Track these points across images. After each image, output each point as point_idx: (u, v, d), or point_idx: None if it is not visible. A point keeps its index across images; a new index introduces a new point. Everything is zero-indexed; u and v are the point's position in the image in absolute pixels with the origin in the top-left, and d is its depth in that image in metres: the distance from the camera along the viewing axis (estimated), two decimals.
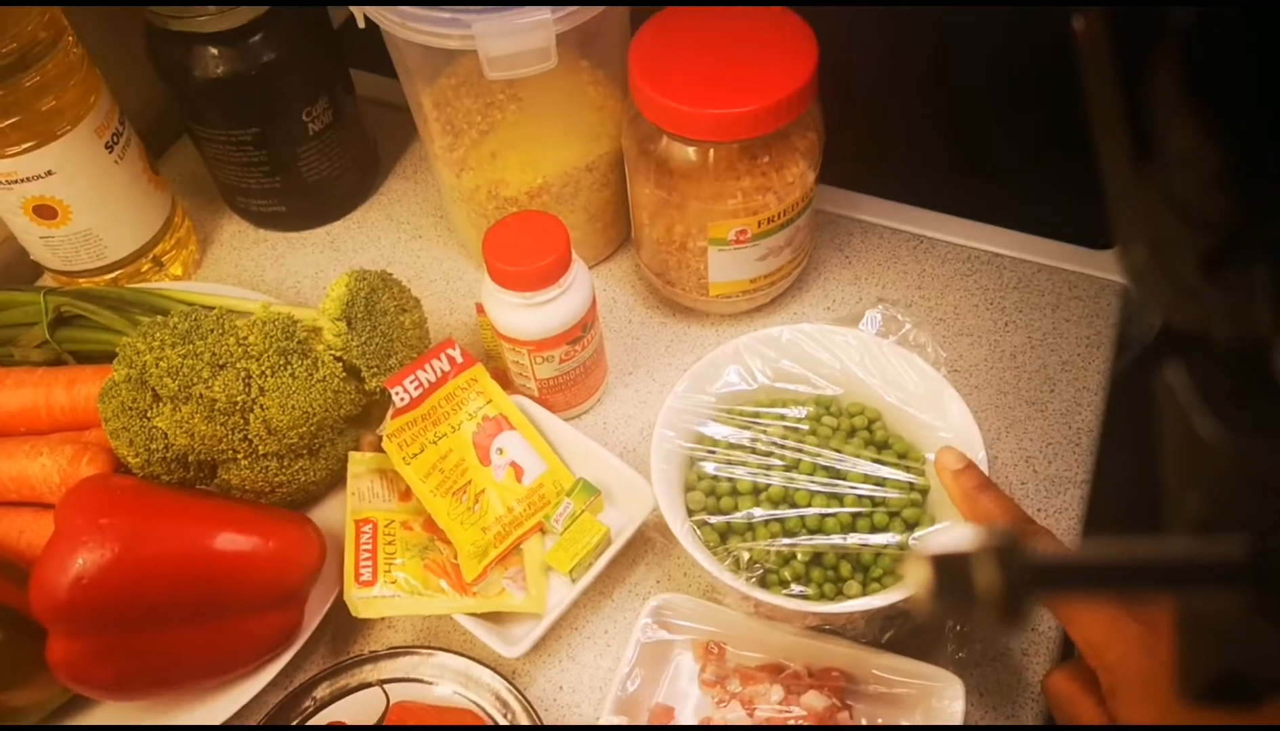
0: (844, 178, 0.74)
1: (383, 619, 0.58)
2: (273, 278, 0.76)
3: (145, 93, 0.74)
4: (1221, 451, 0.20)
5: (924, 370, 0.55)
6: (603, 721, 0.51)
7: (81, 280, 0.72)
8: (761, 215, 0.61)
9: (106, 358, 0.63)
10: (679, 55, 0.58)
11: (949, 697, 0.50)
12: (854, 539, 0.53)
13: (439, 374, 0.58)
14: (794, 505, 0.54)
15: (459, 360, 0.59)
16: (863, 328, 0.57)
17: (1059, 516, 0.60)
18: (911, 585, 0.21)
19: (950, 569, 0.20)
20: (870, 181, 0.75)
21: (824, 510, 0.53)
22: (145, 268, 0.73)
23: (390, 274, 0.60)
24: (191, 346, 0.53)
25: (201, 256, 0.78)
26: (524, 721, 0.51)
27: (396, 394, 0.56)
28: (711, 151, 0.59)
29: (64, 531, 0.49)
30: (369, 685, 0.53)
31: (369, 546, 0.54)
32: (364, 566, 0.54)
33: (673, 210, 0.62)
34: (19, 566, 0.54)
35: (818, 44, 0.58)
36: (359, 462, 0.58)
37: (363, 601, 0.53)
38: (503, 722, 0.52)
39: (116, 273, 0.72)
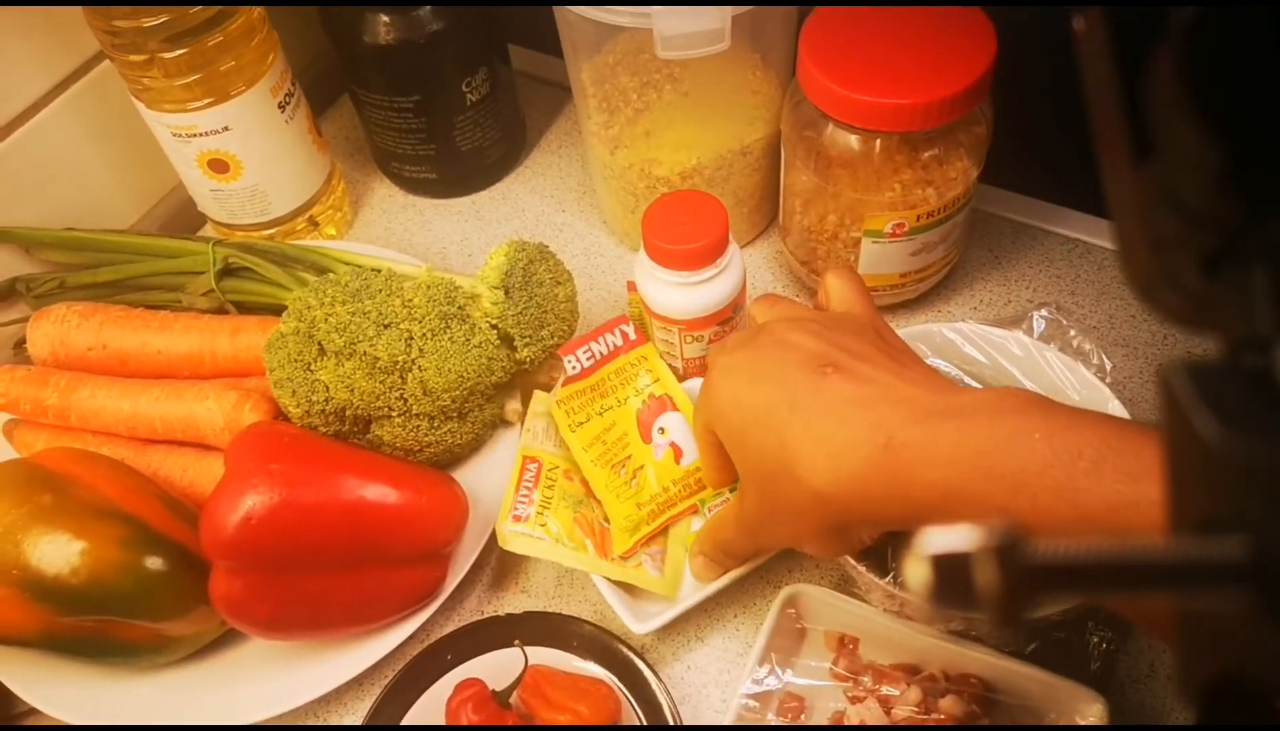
0: (1000, 176, 0.72)
1: (522, 568, 0.59)
2: (420, 242, 0.78)
3: (307, 54, 0.77)
4: (1222, 452, 0.20)
5: (1088, 380, 0.53)
6: (733, 706, 0.51)
7: (239, 234, 0.74)
8: (920, 209, 0.60)
9: (268, 309, 0.65)
10: (851, 41, 0.57)
11: (1091, 716, 0.49)
12: None
13: (611, 348, 0.59)
14: None
15: (632, 337, 0.60)
16: (1024, 331, 0.56)
17: None
18: (911, 584, 0.20)
19: (950, 568, 0.20)
20: (1027, 181, 0.73)
21: None
22: (300, 226, 0.76)
23: (547, 247, 0.61)
24: (360, 305, 0.54)
25: (353, 218, 0.80)
26: (660, 700, 0.52)
27: (569, 361, 0.58)
28: (877, 141, 0.58)
29: (235, 473, 0.51)
30: (509, 645, 0.54)
31: (530, 484, 0.56)
32: (521, 501, 0.55)
33: (827, 199, 0.62)
34: (183, 503, 0.57)
35: (996, 38, 0.56)
36: (541, 402, 0.59)
37: (512, 535, 0.54)
38: (633, 699, 0.53)
39: (274, 229, 0.75)
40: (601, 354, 0.60)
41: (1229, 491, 0.20)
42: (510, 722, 0.51)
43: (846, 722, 0.50)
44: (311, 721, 0.56)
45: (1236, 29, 0.18)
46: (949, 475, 0.39)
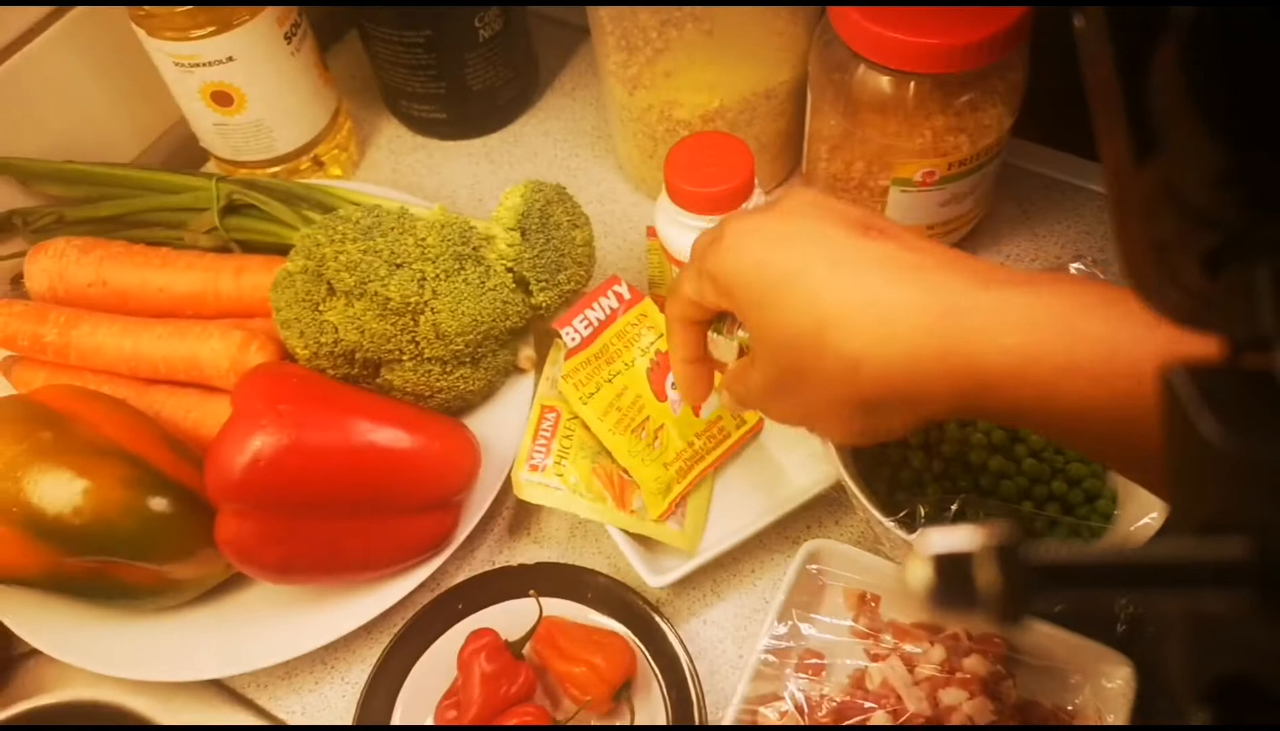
0: (1030, 129, 0.70)
1: (534, 518, 0.58)
2: (429, 185, 0.76)
3: None
4: (1224, 452, 0.20)
5: None
6: (751, 660, 0.50)
7: (242, 171, 0.72)
8: (952, 157, 0.58)
9: (272, 248, 0.63)
10: None
11: (1118, 679, 0.48)
12: (1028, 505, 0.51)
13: (608, 311, 0.57)
14: (967, 465, 0.52)
15: (626, 296, 0.58)
16: None
17: None
18: (912, 584, 0.21)
19: (951, 568, 0.20)
20: (1058, 135, 0.70)
21: (999, 473, 0.51)
22: (304, 166, 0.74)
23: (565, 188, 0.59)
24: (371, 243, 0.53)
25: (360, 159, 0.78)
26: (677, 654, 0.51)
27: (567, 334, 0.56)
28: (910, 84, 0.56)
29: (242, 414, 0.49)
30: (522, 595, 0.53)
31: (548, 433, 0.55)
32: (538, 451, 0.54)
33: (855, 145, 0.59)
34: (187, 445, 0.55)
35: None
36: (560, 350, 0.57)
37: (529, 484, 0.53)
38: (648, 653, 0.52)
39: (278, 167, 0.72)
40: (599, 319, 0.57)
41: (1231, 492, 0.20)
42: (522, 673, 0.50)
43: (868, 680, 0.49)
44: (319, 669, 0.55)
45: (1238, 27, 0.18)
46: (1031, 340, 0.35)
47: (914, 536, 0.48)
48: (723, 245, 0.41)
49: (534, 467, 0.53)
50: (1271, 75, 0.18)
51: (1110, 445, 0.37)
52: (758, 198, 0.55)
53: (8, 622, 0.54)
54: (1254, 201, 0.19)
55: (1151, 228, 0.22)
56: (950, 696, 0.48)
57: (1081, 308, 0.35)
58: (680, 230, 0.56)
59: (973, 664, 0.49)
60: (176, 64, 0.64)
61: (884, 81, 0.56)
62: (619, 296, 0.58)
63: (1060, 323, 0.35)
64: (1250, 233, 0.20)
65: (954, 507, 0.50)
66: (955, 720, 0.47)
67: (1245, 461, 0.20)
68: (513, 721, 0.49)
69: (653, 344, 0.58)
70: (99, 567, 0.51)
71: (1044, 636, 0.49)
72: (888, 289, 0.37)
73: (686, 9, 0.62)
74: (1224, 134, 0.19)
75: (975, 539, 0.20)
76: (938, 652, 0.49)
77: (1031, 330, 0.35)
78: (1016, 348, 0.35)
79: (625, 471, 0.55)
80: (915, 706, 0.47)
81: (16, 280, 0.66)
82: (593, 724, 0.51)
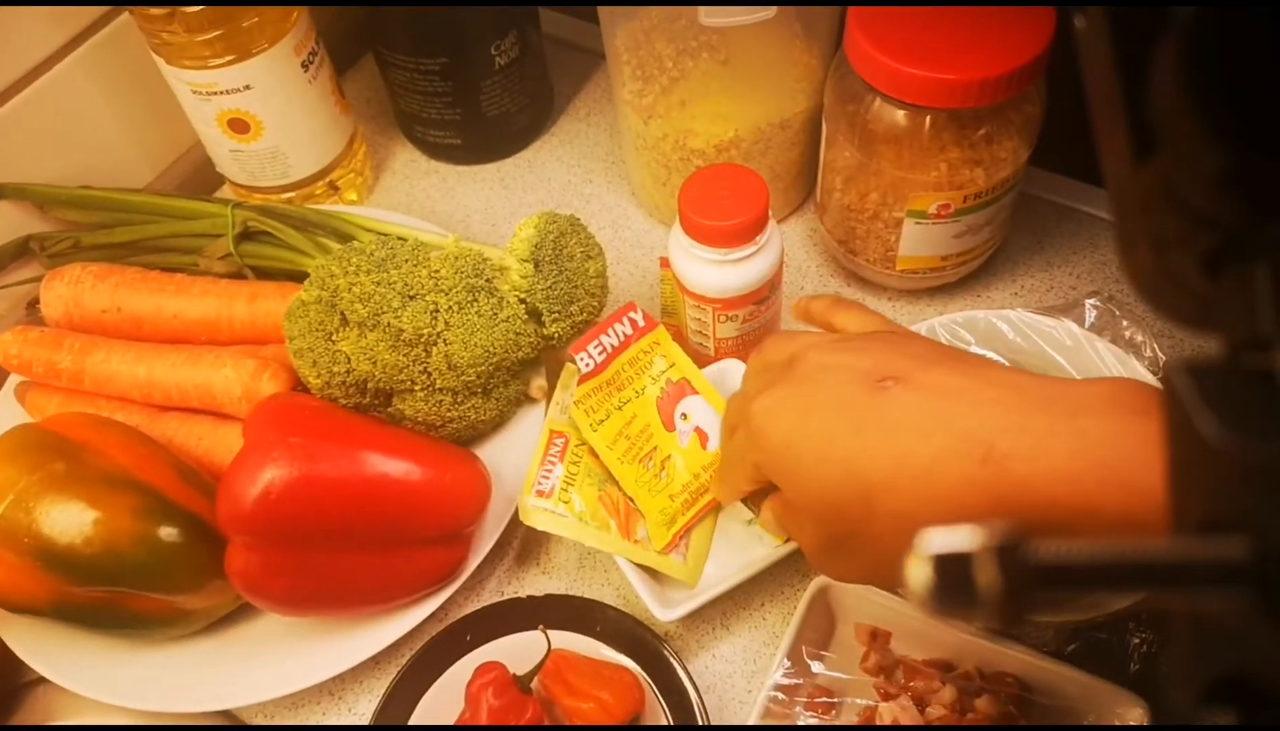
0: (1046, 157, 0.69)
1: (543, 549, 0.58)
2: (442, 210, 0.76)
3: (330, 12, 0.74)
4: (1223, 452, 0.20)
5: (1140, 373, 0.51)
6: (760, 698, 0.50)
7: (257, 197, 0.72)
8: (968, 190, 0.57)
9: (287, 275, 0.64)
10: (901, 13, 0.55)
11: (1131, 719, 0.47)
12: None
13: (622, 338, 0.57)
14: None
15: (641, 324, 0.58)
16: (1073, 320, 0.54)
17: None
18: (912, 584, 0.21)
19: (950, 568, 0.20)
20: (1075, 163, 0.70)
21: None
22: (319, 191, 0.74)
23: (579, 219, 0.59)
24: (385, 274, 0.53)
25: (375, 183, 0.78)
26: (686, 689, 0.50)
27: (581, 360, 0.55)
28: (926, 118, 0.55)
29: (254, 445, 0.49)
30: (530, 628, 0.52)
31: (555, 458, 0.54)
32: (544, 476, 0.54)
33: (870, 177, 0.59)
34: (198, 473, 0.55)
35: (1055, 13, 0.54)
36: (571, 375, 0.57)
37: (535, 510, 0.53)
38: (656, 688, 0.51)
39: (293, 193, 0.73)
40: (613, 346, 0.57)
41: (1230, 491, 0.20)
42: (530, 708, 0.50)
43: (878, 719, 0.49)
44: (327, 700, 0.55)
45: (1237, 28, 0.18)
46: (1074, 493, 0.35)
47: None
48: (752, 429, 0.42)
49: (540, 493, 0.53)
50: (1271, 75, 0.18)
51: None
52: (771, 231, 0.55)
53: (16, 650, 0.54)
54: (1253, 202, 0.19)
55: (1151, 228, 0.22)
56: None
57: (1120, 456, 0.35)
58: (693, 262, 0.55)
59: (984, 704, 0.48)
60: (194, 92, 0.64)
61: (899, 115, 0.56)
62: (633, 323, 0.58)
63: (1102, 472, 0.35)
64: (1250, 233, 0.20)
65: None
66: None
67: (1245, 461, 0.20)
68: None
69: (664, 372, 0.58)
70: (109, 597, 0.51)
71: (1056, 675, 0.49)
72: (920, 444, 0.37)
73: (702, 39, 0.62)
74: (1224, 134, 0.19)
75: (975, 539, 0.20)
76: (949, 692, 0.49)
77: (1073, 483, 0.35)
78: (1063, 500, 0.35)
79: (631, 500, 0.55)
80: None
81: (32, 305, 0.66)
82: (599, 724, 0.50)
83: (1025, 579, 0.20)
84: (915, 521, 0.37)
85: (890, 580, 0.43)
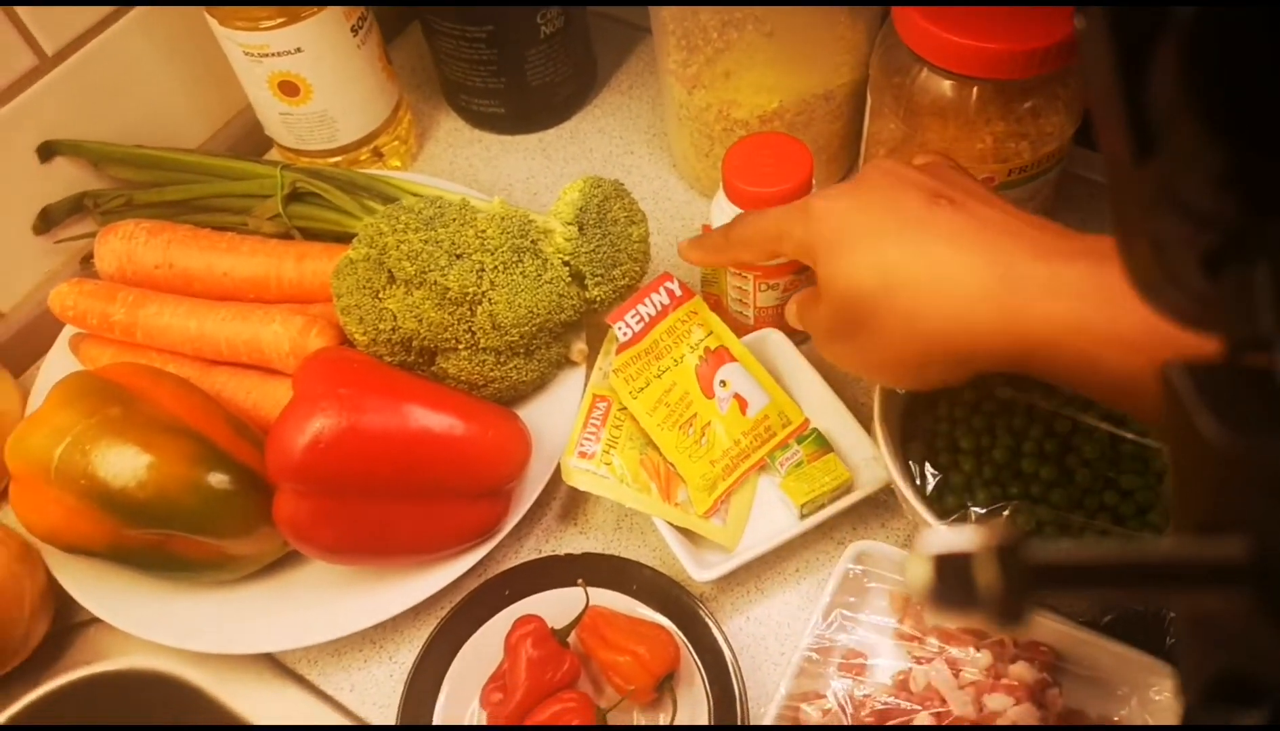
0: (1090, 136, 0.69)
1: (581, 510, 0.59)
2: (485, 178, 0.77)
3: None
4: (1223, 452, 0.20)
5: None
6: (795, 656, 0.50)
7: (304, 160, 0.74)
8: (1012, 163, 0.57)
9: (333, 237, 0.65)
10: None
11: (1166, 691, 0.48)
12: (1079, 515, 0.51)
13: (659, 307, 0.58)
14: (1018, 472, 0.52)
15: (678, 293, 0.58)
16: None
17: None
18: (912, 583, 0.21)
19: (951, 568, 0.20)
20: None
21: (1049, 481, 0.51)
22: (364, 157, 0.75)
23: (623, 185, 0.59)
24: (433, 233, 0.53)
25: (418, 151, 0.79)
26: (721, 648, 0.51)
27: (619, 329, 0.56)
28: (973, 89, 0.55)
29: (304, 396, 0.50)
30: (568, 584, 0.53)
31: (598, 422, 0.56)
32: (587, 438, 0.55)
33: (914, 149, 0.59)
34: (247, 425, 0.56)
35: None
36: (614, 341, 0.58)
37: (577, 470, 0.54)
38: (692, 645, 0.52)
39: (338, 158, 0.74)
40: (650, 315, 0.58)
41: (1230, 491, 0.20)
42: (568, 660, 0.51)
43: (912, 683, 0.49)
44: (368, 648, 0.56)
45: (1237, 28, 0.18)
46: (1075, 307, 0.38)
47: None
48: (810, 209, 0.45)
49: (583, 455, 0.54)
50: (1271, 75, 0.18)
51: (1153, 410, 0.38)
52: None
53: (70, 590, 0.55)
54: (1253, 202, 0.19)
55: (1151, 227, 0.22)
56: (996, 701, 0.47)
57: (1128, 285, 0.37)
58: None
59: (1019, 670, 0.48)
60: (246, 54, 0.66)
61: (945, 86, 0.56)
62: (670, 293, 0.59)
63: (1105, 294, 0.38)
64: (1250, 233, 0.20)
65: (1004, 514, 0.49)
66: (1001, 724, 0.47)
67: (1245, 461, 0.20)
68: (556, 707, 0.50)
69: (701, 341, 0.58)
70: (159, 540, 0.52)
71: (1092, 646, 0.49)
72: (951, 254, 0.41)
73: (747, 10, 0.62)
74: (1224, 134, 0.19)
75: (975, 538, 0.20)
76: (984, 658, 0.49)
77: (1078, 300, 0.38)
78: (1063, 315, 0.38)
79: (672, 465, 0.56)
80: (960, 709, 0.47)
81: (86, 260, 0.68)
82: (631, 724, 0.51)
83: (1025, 579, 0.20)
84: (922, 322, 0.41)
85: (882, 373, 0.47)
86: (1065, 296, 0.38)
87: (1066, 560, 0.20)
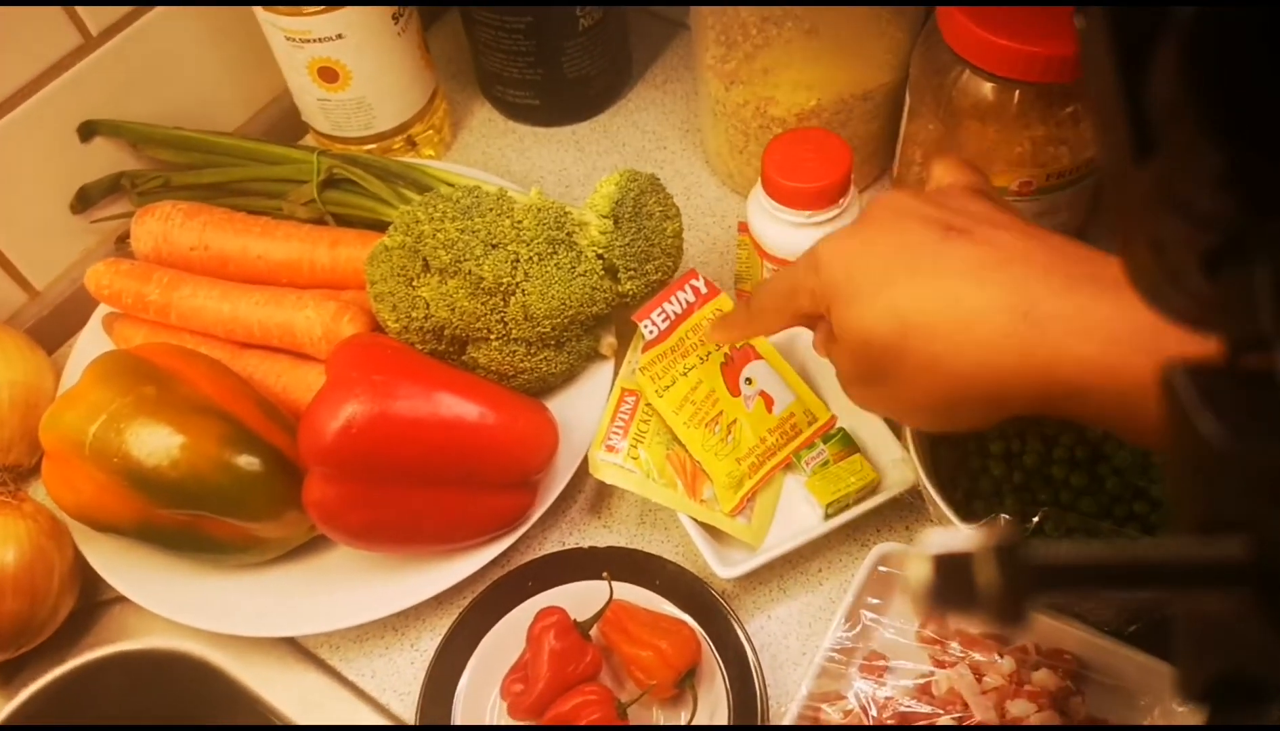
0: None
1: (605, 504, 0.59)
2: (518, 170, 0.77)
3: None
4: (1223, 452, 0.20)
5: None
6: (817, 656, 0.50)
7: (339, 147, 0.74)
8: (1051, 168, 0.57)
9: (366, 224, 0.65)
10: None
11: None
12: (1107, 523, 0.50)
13: (684, 305, 0.58)
14: (1048, 478, 0.52)
15: (704, 290, 0.58)
16: None
17: None
18: (911, 583, 0.21)
19: (950, 568, 0.20)
20: None
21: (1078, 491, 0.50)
22: (398, 145, 0.75)
23: (658, 179, 0.59)
24: (470, 222, 0.54)
25: (452, 141, 0.79)
26: (742, 645, 0.51)
27: (645, 327, 0.56)
28: (1015, 92, 0.55)
29: (337, 381, 0.51)
30: (592, 577, 0.53)
31: (625, 416, 0.56)
32: (615, 432, 0.55)
33: (951, 150, 0.59)
34: (278, 408, 0.57)
35: None
36: (642, 337, 0.58)
37: (604, 464, 0.54)
38: (713, 642, 0.52)
39: (373, 146, 0.74)
40: (676, 313, 0.58)
41: (1230, 492, 0.20)
42: (589, 653, 0.51)
43: (935, 688, 0.49)
44: (390, 635, 0.56)
45: (1237, 28, 0.18)
46: (1107, 351, 0.35)
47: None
48: (817, 257, 0.43)
49: (610, 448, 0.54)
50: (1270, 75, 0.18)
51: None
52: (853, 196, 0.55)
53: (98, 569, 0.56)
54: (1253, 202, 0.19)
55: (1151, 228, 0.22)
56: (1018, 708, 0.47)
57: (1162, 323, 0.35)
58: (774, 224, 0.56)
59: (1042, 678, 0.48)
60: (288, 39, 0.66)
61: (987, 88, 0.56)
62: (696, 290, 0.59)
63: (1139, 339, 0.35)
64: (1250, 233, 0.20)
65: (1034, 521, 0.49)
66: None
67: (1245, 461, 0.20)
68: (577, 699, 0.50)
69: None
70: (189, 521, 0.53)
71: (1115, 655, 0.49)
72: (969, 291, 0.38)
73: (787, 9, 0.62)
74: (1223, 134, 0.19)
75: (975, 539, 0.20)
76: (1007, 664, 0.49)
77: (1109, 344, 0.36)
78: (1094, 359, 0.36)
79: (698, 462, 0.56)
80: (983, 715, 0.47)
81: (122, 240, 0.68)
82: (650, 724, 0.51)
83: (1025, 579, 0.20)
84: (944, 367, 0.38)
85: (909, 419, 0.46)
86: (1095, 338, 0.36)
87: (1066, 560, 0.21)
